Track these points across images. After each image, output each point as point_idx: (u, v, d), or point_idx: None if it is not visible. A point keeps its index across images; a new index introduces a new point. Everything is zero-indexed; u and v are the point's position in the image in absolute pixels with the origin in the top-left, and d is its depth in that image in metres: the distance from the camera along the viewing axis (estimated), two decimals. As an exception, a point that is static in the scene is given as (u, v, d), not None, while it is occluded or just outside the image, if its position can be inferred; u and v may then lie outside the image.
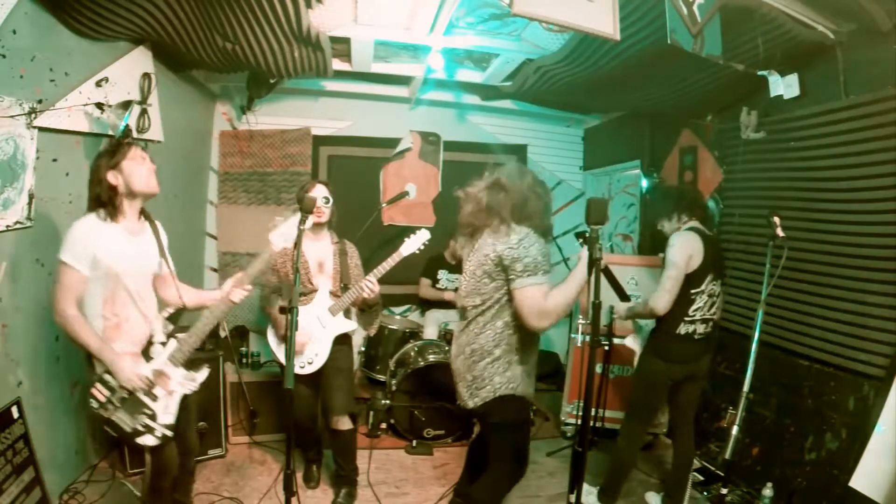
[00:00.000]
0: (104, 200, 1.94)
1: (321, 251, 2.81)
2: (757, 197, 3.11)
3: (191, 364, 2.08)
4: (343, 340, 2.83)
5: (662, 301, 2.46)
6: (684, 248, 2.48)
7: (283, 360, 2.75)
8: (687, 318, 2.52)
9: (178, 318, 2.13)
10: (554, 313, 1.85)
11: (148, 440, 1.95)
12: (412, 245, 2.86)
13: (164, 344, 2.03)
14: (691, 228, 2.59)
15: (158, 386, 1.98)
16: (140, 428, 1.93)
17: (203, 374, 2.12)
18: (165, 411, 1.99)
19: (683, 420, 2.71)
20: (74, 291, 1.86)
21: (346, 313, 2.81)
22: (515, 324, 1.94)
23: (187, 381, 2.06)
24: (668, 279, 2.45)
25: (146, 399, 1.95)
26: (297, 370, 2.70)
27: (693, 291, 2.51)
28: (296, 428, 2.78)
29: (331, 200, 2.78)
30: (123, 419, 1.91)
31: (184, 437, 2.15)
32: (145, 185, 2.06)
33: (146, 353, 1.99)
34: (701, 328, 2.55)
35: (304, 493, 2.86)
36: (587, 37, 2.54)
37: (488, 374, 1.97)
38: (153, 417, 1.96)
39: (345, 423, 2.74)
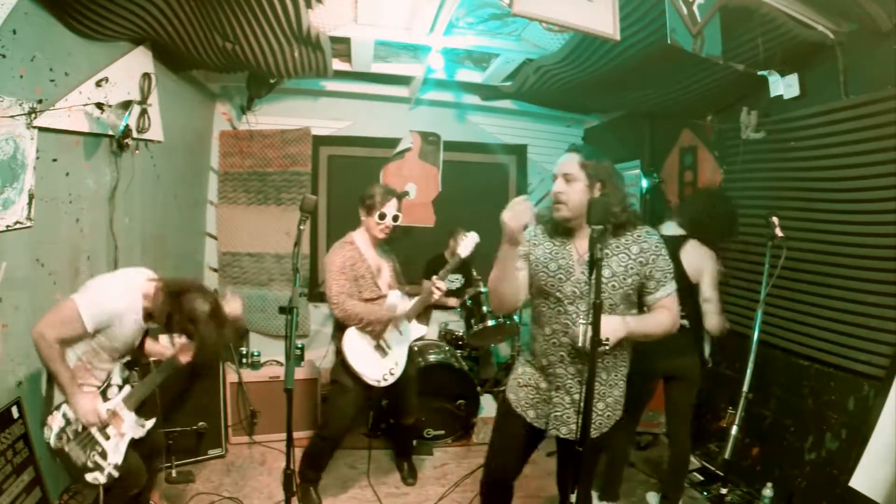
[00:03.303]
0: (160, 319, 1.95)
1: (377, 257, 2.79)
2: (757, 197, 3.11)
3: (140, 411, 2.14)
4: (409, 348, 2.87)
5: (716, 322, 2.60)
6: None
7: (361, 370, 2.64)
8: None
9: (131, 365, 2.21)
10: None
11: (97, 477, 1.96)
12: (466, 248, 2.72)
13: (119, 387, 2.08)
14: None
15: (112, 426, 2.02)
16: (90, 464, 1.95)
17: (151, 422, 2.17)
18: (115, 451, 2.03)
19: (677, 423, 2.70)
20: (66, 334, 1.85)
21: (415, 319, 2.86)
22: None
23: (137, 427, 2.12)
24: (715, 303, 2.60)
25: (99, 437, 1.98)
26: (382, 383, 2.68)
27: None
28: (332, 445, 2.78)
29: (400, 217, 2.73)
30: (75, 451, 1.92)
31: (150, 437, 2.19)
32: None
33: (104, 393, 2.03)
34: None
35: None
36: (587, 37, 2.54)
37: None
38: (104, 455, 1.98)
39: (413, 420, 3.06)
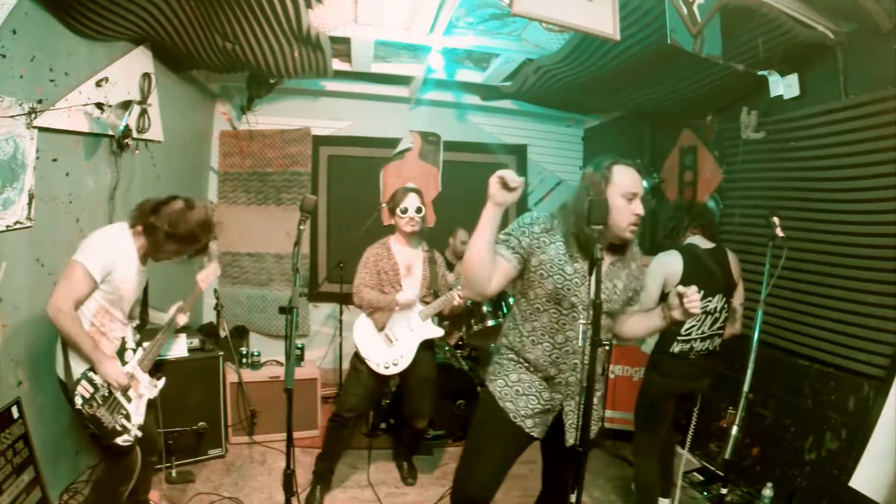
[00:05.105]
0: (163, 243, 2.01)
1: (411, 256, 2.88)
2: (757, 197, 3.11)
3: (151, 372, 2.22)
4: (428, 348, 2.92)
5: None
6: (657, 273, 2.48)
7: (366, 354, 2.81)
8: (680, 338, 2.47)
9: (141, 328, 2.29)
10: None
11: (126, 439, 2.02)
12: None
13: (134, 350, 2.15)
14: (683, 247, 2.56)
15: (131, 388, 2.09)
16: (118, 427, 2.01)
17: (162, 381, 2.25)
18: (137, 412, 2.10)
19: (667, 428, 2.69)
20: (79, 294, 1.91)
21: (433, 320, 2.90)
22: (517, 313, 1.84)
23: (151, 387, 2.20)
24: (640, 304, 2.45)
25: (122, 400, 2.04)
26: (382, 370, 2.80)
27: None
28: (341, 427, 2.84)
29: (423, 210, 2.85)
30: (105, 416, 1.97)
31: (149, 436, 2.22)
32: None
33: (121, 357, 2.08)
34: (699, 346, 2.48)
35: None
36: (587, 37, 2.54)
37: (491, 360, 1.94)
38: (128, 418, 2.05)
39: (423, 424, 3.04)
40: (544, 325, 1.74)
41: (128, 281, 2.03)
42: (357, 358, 2.86)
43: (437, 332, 2.91)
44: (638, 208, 1.70)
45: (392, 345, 2.83)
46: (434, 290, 2.92)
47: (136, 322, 2.25)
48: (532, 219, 1.76)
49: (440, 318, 3.00)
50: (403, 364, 2.82)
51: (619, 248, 1.77)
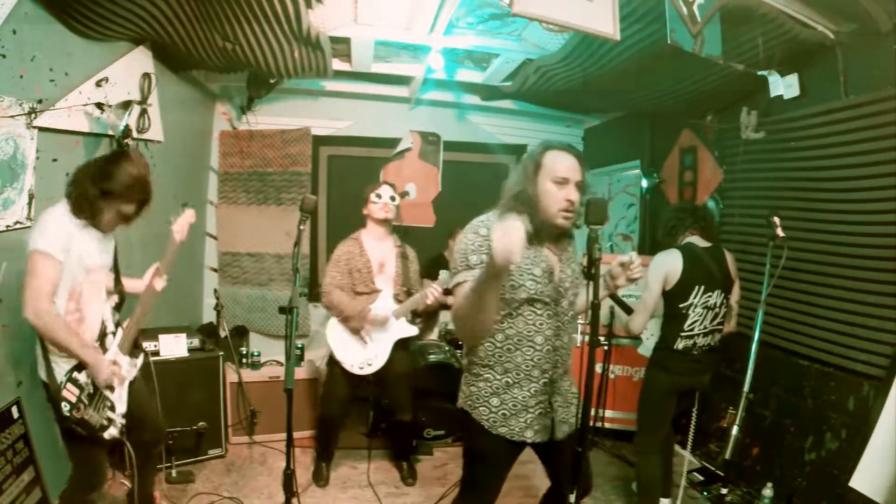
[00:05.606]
0: (89, 204, 1.87)
1: (384, 253, 2.86)
2: (757, 197, 3.11)
3: (130, 352, 2.13)
4: (402, 345, 2.91)
5: (636, 322, 2.53)
6: (658, 270, 2.52)
7: (339, 356, 2.83)
8: (683, 334, 2.51)
9: (120, 307, 2.15)
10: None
11: (112, 432, 1.96)
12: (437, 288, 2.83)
13: (114, 334, 2.06)
14: (682, 245, 2.60)
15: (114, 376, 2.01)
16: (104, 422, 1.95)
17: (140, 359, 2.16)
18: (120, 400, 2.03)
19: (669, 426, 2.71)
20: (51, 284, 1.78)
21: (407, 318, 2.91)
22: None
23: (131, 369, 2.11)
24: (642, 301, 2.54)
25: (106, 392, 1.97)
26: (357, 371, 2.81)
27: (682, 306, 2.49)
28: (329, 426, 2.93)
29: (397, 199, 2.85)
30: (92, 415, 1.91)
31: (150, 422, 2.17)
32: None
33: (102, 344, 1.99)
34: (702, 341, 2.52)
35: (315, 492, 2.89)
36: (587, 37, 2.54)
37: (463, 382, 1.83)
38: (113, 409, 1.98)
39: (409, 417, 3.05)
40: (520, 331, 1.67)
41: (89, 251, 1.91)
42: (332, 360, 2.86)
43: (412, 330, 2.89)
44: (571, 194, 1.63)
45: (366, 345, 2.83)
46: (407, 287, 2.89)
47: (116, 300, 2.11)
48: (486, 226, 1.63)
49: (414, 315, 2.98)
50: (378, 364, 2.82)
51: (560, 237, 1.75)
